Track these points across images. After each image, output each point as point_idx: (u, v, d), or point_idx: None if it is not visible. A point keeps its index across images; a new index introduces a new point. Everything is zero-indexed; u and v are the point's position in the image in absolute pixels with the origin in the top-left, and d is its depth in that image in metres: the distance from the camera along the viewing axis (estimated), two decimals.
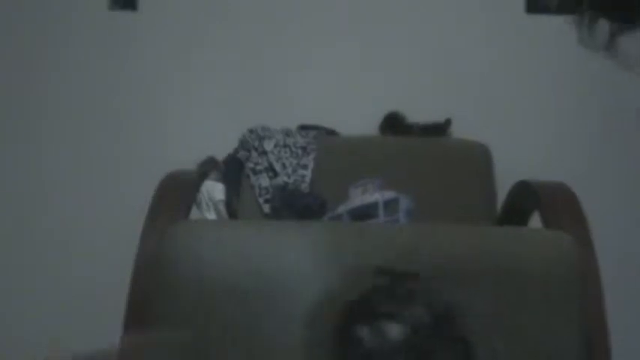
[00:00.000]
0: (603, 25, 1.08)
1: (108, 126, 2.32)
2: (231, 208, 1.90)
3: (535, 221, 1.56)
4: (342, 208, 1.73)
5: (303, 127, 2.19)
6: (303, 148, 2.06)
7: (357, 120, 2.24)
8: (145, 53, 2.33)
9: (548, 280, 1.22)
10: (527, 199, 1.64)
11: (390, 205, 1.65)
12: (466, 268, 1.20)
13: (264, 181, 1.98)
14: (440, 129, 2.19)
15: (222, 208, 1.79)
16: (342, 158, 2.03)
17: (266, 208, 1.92)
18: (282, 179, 1.97)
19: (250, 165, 2.02)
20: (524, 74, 2.33)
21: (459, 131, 2.19)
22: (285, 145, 2.06)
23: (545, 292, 1.21)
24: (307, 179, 1.98)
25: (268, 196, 1.94)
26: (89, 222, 2.28)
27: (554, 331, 1.19)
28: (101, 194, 2.30)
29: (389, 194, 1.68)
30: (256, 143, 2.06)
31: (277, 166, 2.00)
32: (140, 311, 1.25)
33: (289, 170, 1.99)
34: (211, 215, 1.79)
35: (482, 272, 1.21)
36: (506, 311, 1.20)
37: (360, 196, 1.73)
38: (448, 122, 2.20)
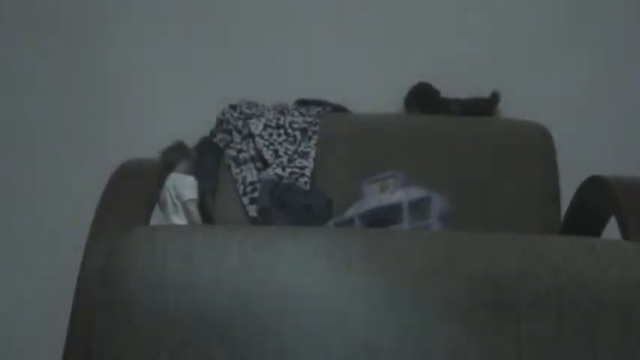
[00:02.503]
0: None
1: (55, 108, 2.34)
2: (206, 210, 1.89)
3: (612, 229, 1.56)
4: (353, 211, 1.73)
5: (303, 103, 2.18)
6: (303, 131, 2.05)
7: (374, 93, 2.24)
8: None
9: (627, 308, 1.21)
10: (600, 200, 1.63)
11: (419, 207, 1.64)
12: (521, 291, 1.20)
13: (251, 174, 1.97)
14: (485, 105, 2.18)
15: (193, 209, 1.78)
16: (353, 144, 2.03)
17: (252, 209, 1.92)
18: (274, 171, 1.96)
19: (232, 152, 2.01)
20: (589, 41, 2.32)
21: (510, 109, 2.18)
22: (279, 127, 2.05)
23: (624, 325, 1.20)
24: (308, 172, 1.98)
25: (255, 194, 1.93)
26: (29, 227, 2.30)
27: None
28: (43, 192, 2.31)
29: (416, 192, 1.67)
30: (240, 124, 2.06)
31: (268, 155, 2.00)
32: (85, 348, 1.25)
33: (284, 160, 1.99)
34: (179, 219, 1.78)
35: (542, 296, 1.20)
36: (571, 347, 1.19)
37: (378, 195, 1.73)
38: (496, 97, 2.20)
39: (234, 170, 1.99)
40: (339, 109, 2.20)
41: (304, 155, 2.00)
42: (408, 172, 1.75)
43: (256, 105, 2.13)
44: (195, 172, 1.92)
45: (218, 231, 1.32)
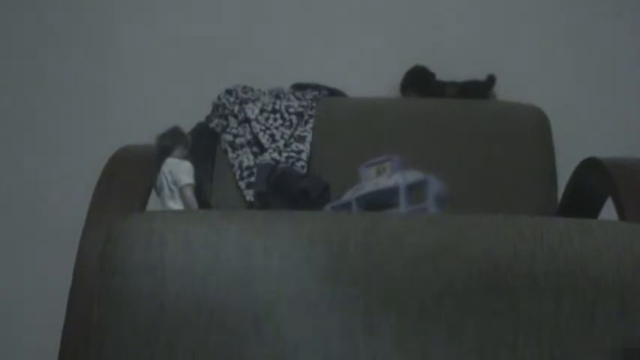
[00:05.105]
0: None
1: (48, 93, 2.33)
2: (203, 195, 1.89)
3: (609, 210, 1.55)
4: (350, 195, 1.72)
5: (299, 87, 2.18)
6: (299, 115, 2.04)
7: (370, 76, 2.23)
8: None
9: (625, 289, 1.21)
10: (597, 181, 1.63)
11: (415, 190, 1.64)
12: (518, 273, 1.19)
13: (247, 158, 1.97)
14: (481, 88, 2.18)
15: (190, 194, 1.78)
16: (350, 128, 2.03)
17: (249, 194, 1.91)
18: (270, 156, 1.96)
19: (228, 137, 2.01)
20: (586, 24, 2.32)
21: (506, 92, 2.18)
22: (275, 111, 2.05)
23: (621, 304, 1.20)
24: (304, 156, 1.97)
25: (252, 179, 1.93)
26: (25, 214, 2.30)
27: (632, 354, 1.18)
28: (39, 178, 2.31)
29: (413, 175, 1.67)
30: (236, 108, 2.05)
31: (264, 139, 1.99)
32: (82, 335, 1.24)
33: (280, 144, 1.98)
34: (176, 204, 1.78)
35: (540, 278, 1.20)
36: (570, 328, 1.19)
37: (375, 179, 1.72)
38: (492, 80, 2.19)
39: (231, 155, 1.98)
40: (335, 93, 2.19)
41: (301, 139, 2.00)
42: (404, 156, 1.75)
43: (252, 89, 2.12)
44: (192, 157, 1.92)
45: (215, 216, 1.31)
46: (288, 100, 2.08)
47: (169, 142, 1.88)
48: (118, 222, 1.25)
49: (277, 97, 2.09)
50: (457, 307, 1.18)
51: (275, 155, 1.95)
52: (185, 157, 1.86)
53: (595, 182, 1.66)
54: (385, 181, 1.69)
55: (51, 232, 2.21)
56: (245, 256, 1.21)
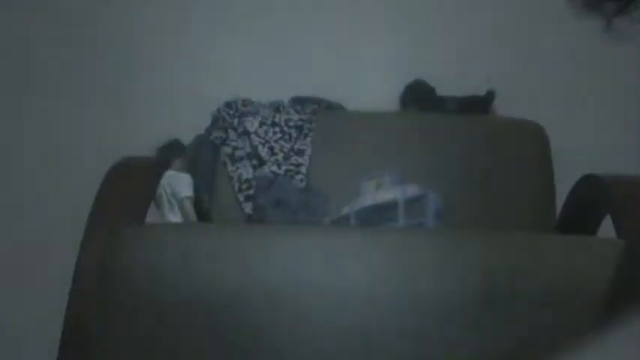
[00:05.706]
0: None
1: (52, 105, 2.33)
2: (202, 208, 1.89)
3: (607, 228, 1.55)
4: (348, 209, 1.72)
5: (299, 100, 2.18)
6: (298, 128, 2.05)
7: (370, 90, 2.23)
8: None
9: (626, 308, 1.21)
10: (596, 198, 1.63)
11: (414, 205, 1.64)
12: (516, 290, 1.19)
13: (246, 171, 1.97)
14: (481, 104, 2.18)
15: (189, 207, 1.78)
16: (349, 141, 2.03)
17: (248, 207, 1.91)
18: (270, 169, 1.96)
19: (227, 150, 2.01)
20: (584, 41, 2.33)
21: (505, 108, 2.18)
22: (275, 124, 2.05)
23: (622, 325, 1.20)
24: (303, 169, 1.97)
25: (251, 192, 1.93)
26: (25, 224, 2.29)
27: None
28: (39, 189, 2.30)
29: (412, 190, 1.67)
30: (235, 121, 2.05)
31: (263, 152, 1.99)
32: (80, 346, 1.24)
33: (279, 157, 1.99)
34: (175, 217, 1.78)
35: (538, 295, 1.20)
36: (567, 345, 1.19)
37: (374, 193, 1.73)
38: (491, 95, 2.19)
39: (230, 167, 1.98)
40: (334, 107, 2.19)
41: (300, 153, 2.00)
42: (403, 170, 1.75)
43: (252, 102, 2.12)
44: (191, 169, 1.92)
45: (214, 229, 1.31)
46: (288, 113, 2.08)
47: (169, 154, 1.88)
48: (118, 234, 1.25)
49: (277, 110, 2.09)
50: (455, 321, 1.18)
51: (274, 168, 1.96)
52: (184, 170, 1.86)
53: (594, 199, 1.66)
54: (384, 195, 1.69)
55: (50, 242, 2.20)
56: (244, 269, 1.21)
